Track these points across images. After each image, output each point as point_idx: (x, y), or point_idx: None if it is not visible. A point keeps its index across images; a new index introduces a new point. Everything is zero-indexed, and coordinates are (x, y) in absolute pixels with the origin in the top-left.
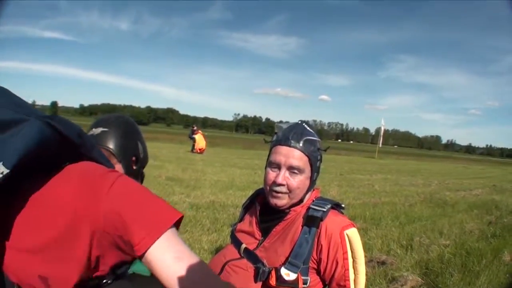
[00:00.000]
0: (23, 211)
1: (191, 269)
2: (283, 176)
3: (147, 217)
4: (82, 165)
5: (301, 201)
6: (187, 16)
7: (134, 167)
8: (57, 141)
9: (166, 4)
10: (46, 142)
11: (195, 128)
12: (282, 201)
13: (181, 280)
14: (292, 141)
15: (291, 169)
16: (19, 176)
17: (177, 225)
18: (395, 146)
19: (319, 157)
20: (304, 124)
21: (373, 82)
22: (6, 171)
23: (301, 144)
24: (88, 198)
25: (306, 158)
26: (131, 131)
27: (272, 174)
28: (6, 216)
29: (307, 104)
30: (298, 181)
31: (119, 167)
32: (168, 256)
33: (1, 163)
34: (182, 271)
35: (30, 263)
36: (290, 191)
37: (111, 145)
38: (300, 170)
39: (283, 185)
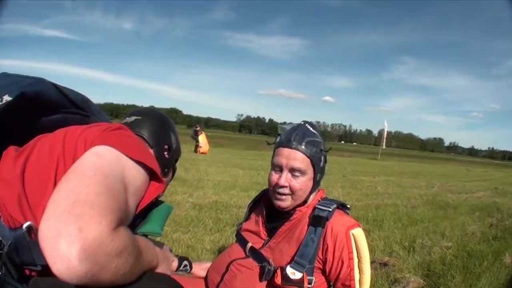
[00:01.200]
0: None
1: (95, 164)
2: (285, 178)
3: (108, 137)
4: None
5: (305, 202)
6: (191, 16)
7: (167, 156)
8: (58, 99)
9: (170, 4)
10: (47, 92)
11: (198, 128)
12: (285, 203)
13: (78, 163)
14: (294, 143)
15: (293, 171)
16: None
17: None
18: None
19: (322, 158)
20: (307, 125)
21: (376, 83)
22: (9, 99)
23: (302, 146)
24: (71, 137)
25: (308, 160)
26: (164, 121)
27: (275, 176)
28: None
29: (311, 105)
30: (301, 183)
31: None
32: (95, 151)
33: (7, 95)
34: (91, 163)
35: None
36: (293, 192)
37: (143, 132)
38: (302, 172)
39: (285, 186)
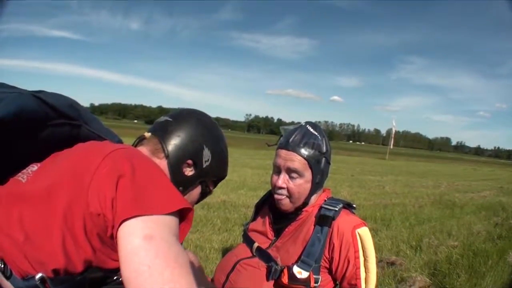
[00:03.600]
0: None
1: (157, 253)
2: (282, 179)
3: (132, 197)
4: (76, 152)
5: (305, 203)
6: (199, 17)
7: (187, 173)
8: (43, 111)
9: (178, 5)
10: (28, 108)
11: None
12: (285, 206)
13: (136, 260)
14: (291, 145)
15: (289, 172)
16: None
17: (184, 218)
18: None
19: (323, 160)
20: (308, 126)
21: (384, 83)
22: None
23: (300, 148)
24: (77, 185)
25: (304, 162)
26: (200, 131)
27: (274, 177)
28: None
29: (319, 105)
30: (298, 185)
31: (162, 163)
32: (138, 232)
33: None
34: (143, 251)
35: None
36: (290, 194)
37: (165, 137)
38: (299, 174)
39: (283, 188)
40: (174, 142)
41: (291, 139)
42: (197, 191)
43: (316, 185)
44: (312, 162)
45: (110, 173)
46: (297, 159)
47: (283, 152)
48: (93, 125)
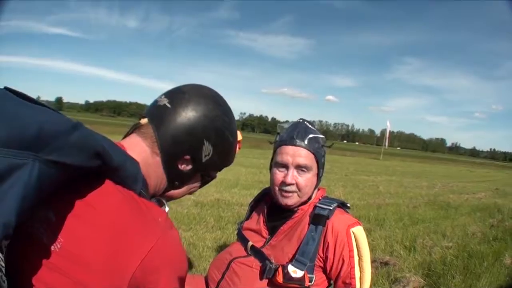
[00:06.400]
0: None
1: None
2: (291, 175)
3: None
4: (113, 215)
5: (309, 198)
6: (195, 15)
7: (183, 169)
8: (66, 174)
9: (175, 3)
10: (48, 183)
11: None
12: (292, 200)
13: None
14: (297, 140)
15: (298, 167)
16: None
17: None
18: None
19: (323, 154)
20: (305, 122)
21: (379, 83)
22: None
23: (306, 142)
24: (119, 262)
25: (312, 156)
26: (200, 124)
27: (280, 175)
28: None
29: (313, 104)
30: (306, 179)
31: (157, 161)
32: None
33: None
34: None
35: None
36: (299, 189)
37: (160, 126)
38: (308, 168)
39: (292, 184)
40: (170, 136)
41: (295, 135)
42: (196, 181)
43: (320, 179)
44: (318, 156)
45: (156, 271)
46: (305, 154)
47: (290, 149)
48: (123, 173)
